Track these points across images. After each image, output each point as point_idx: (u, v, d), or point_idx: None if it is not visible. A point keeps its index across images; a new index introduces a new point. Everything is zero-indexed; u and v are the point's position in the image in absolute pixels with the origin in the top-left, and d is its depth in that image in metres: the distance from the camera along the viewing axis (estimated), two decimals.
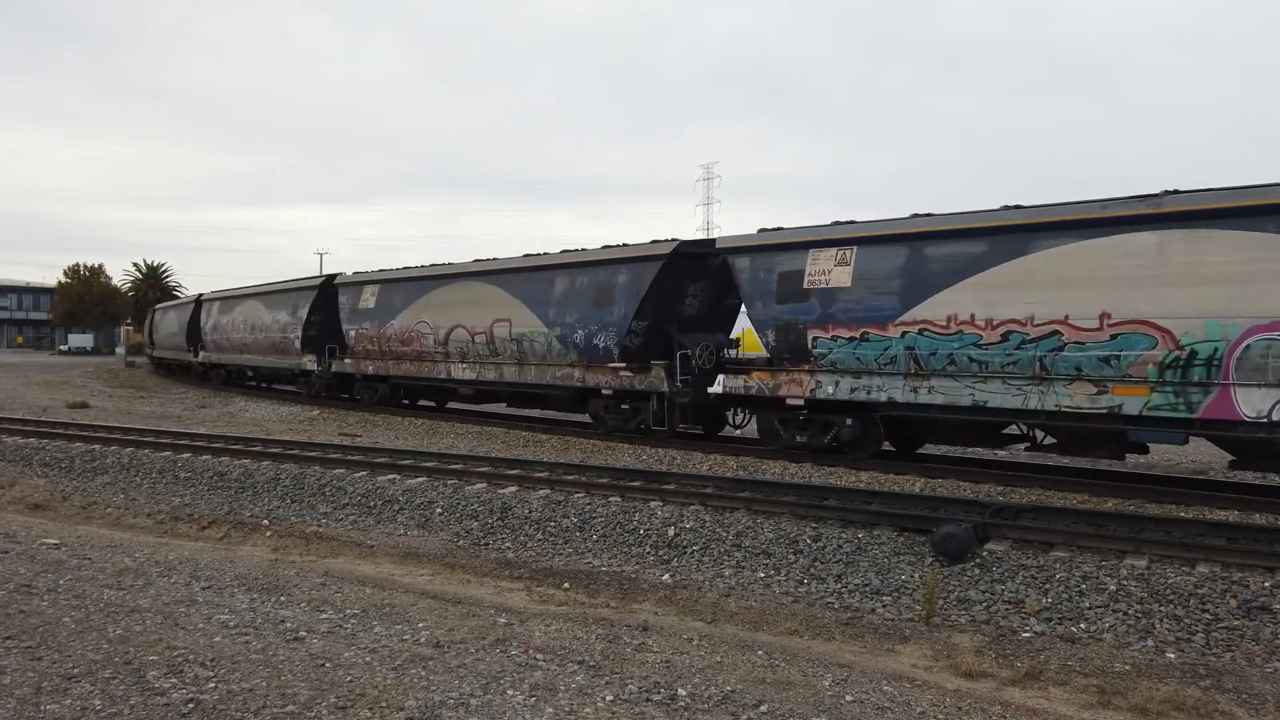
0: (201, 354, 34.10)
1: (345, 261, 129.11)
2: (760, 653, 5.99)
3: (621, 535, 9.40)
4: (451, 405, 22.80)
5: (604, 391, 16.65)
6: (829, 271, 13.18)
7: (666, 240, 16.00)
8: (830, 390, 13.15)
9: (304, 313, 25.48)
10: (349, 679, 5.05)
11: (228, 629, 5.96)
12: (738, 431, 16.34)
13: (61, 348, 72.51)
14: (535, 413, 20.69)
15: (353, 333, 23.25)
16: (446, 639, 5.93)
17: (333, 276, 25.34)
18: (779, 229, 14.33)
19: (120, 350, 53.28)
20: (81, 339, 72.39)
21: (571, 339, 16.94)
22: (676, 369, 15.20)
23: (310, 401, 25.96)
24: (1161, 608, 6.85)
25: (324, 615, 6.44)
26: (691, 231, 75.56)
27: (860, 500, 9.81)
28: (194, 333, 35.06)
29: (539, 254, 18.58)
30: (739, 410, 15.79)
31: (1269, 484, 12.13)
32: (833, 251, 13.20)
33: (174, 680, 4.93)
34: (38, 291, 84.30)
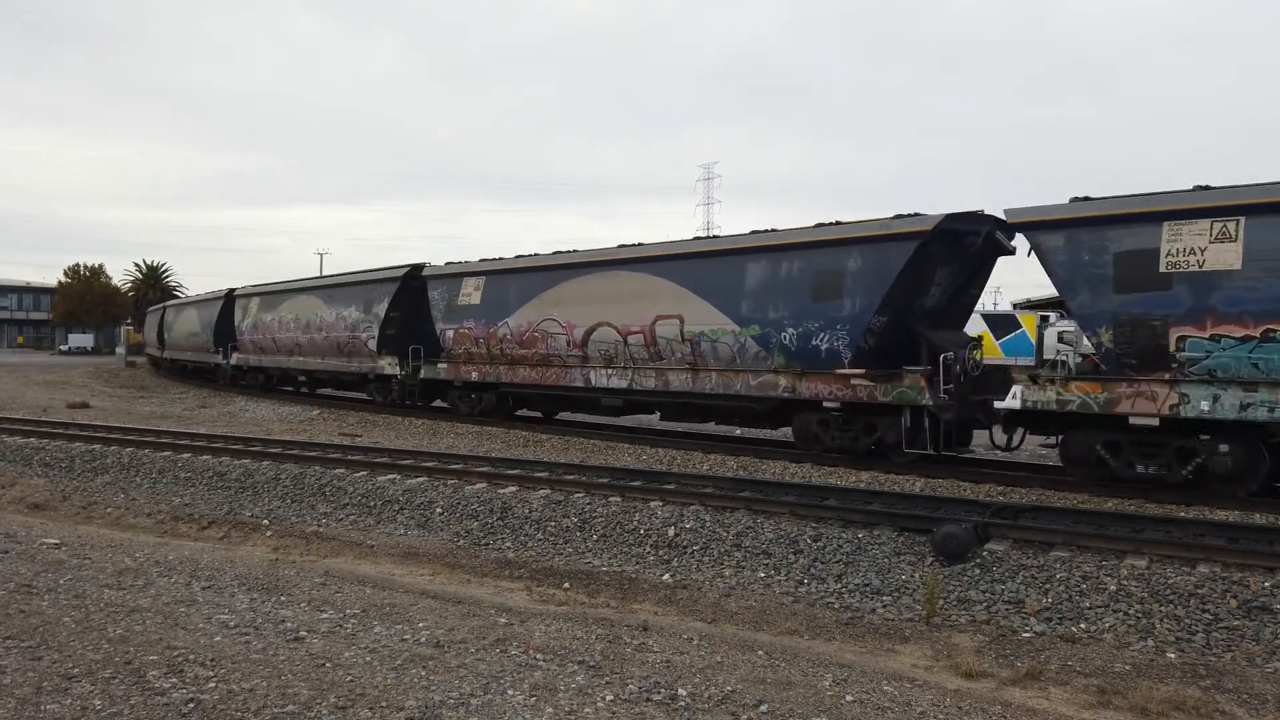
0: (235, 356, 30.32)
1: (345, 261, 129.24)
2: (760, 653, 5.99)
3: (621, 535, 9.40)
4: (562, 417, 19.88)
5: (826, 404, 13.46)
6: (1202, 250, 10.21)
7: (910, 215, 12.89)
8: (1204, 406, 10.12)
9: (382, 309, 22.18)
10: (349, 679, 5.05)
11: (228, 629, 5.96)
12: (999, 453, 13.21)
13: (62, 348, 72.55)
14: (705, 428, 17.63)
15: (450, 333, 20.00)
16: (446, 639, 5.93)
17: (419, 267, 21.95)
18: (1107, 198, 11.19)
19: (120, 350, 53.23)
20: (81, 339, 72.43)
21: (776, 339, 13.89)
22: (940, 377, 12.34)
23: (309, 402, 25.77)
24: (1161, 608, 6.85)
25: (324, 615, 6.44)
26: (691, 231, 74.98)
27: (860, 500, 9.82)
28: (224, 332, 31.21)
29: (722, 236, 15.57)
30: (1012, 427, 12.29)
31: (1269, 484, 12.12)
32: (1205, 224, 10.22)
33: (174, 680, 4.93)
34: (38, 291, 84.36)
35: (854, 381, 13.07)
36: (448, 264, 21.16)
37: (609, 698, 4.93)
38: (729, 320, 14.53)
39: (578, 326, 17.03)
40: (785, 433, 15.59)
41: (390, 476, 11.95)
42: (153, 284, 74.13)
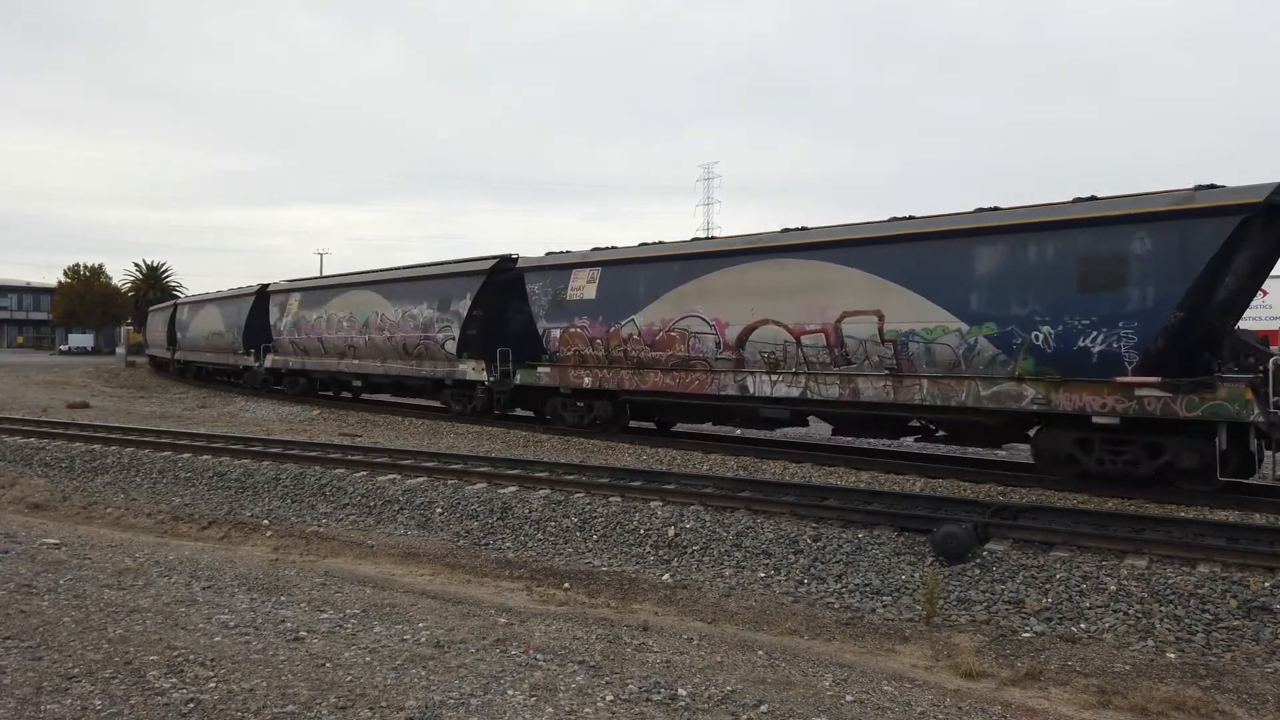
0: (270, 358, 27.64)
1: (346, 261, 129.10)
2: (760, 653, 5.99)
3: (622, 535, 9.40)
4: (682, 429, 17.62)
5: (1096, 419, 10.88)
6: None
7: (1208, 186, 10.46)
8: None
9: (463, 306, 19.60)
10: (349, 679, 5.05)
11: (228, 629, 5.96)
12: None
13: (62, 348, 72.60)
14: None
15: (556, 332, 17.45)
16: (446, 639, 5.93)
17: (508, 258, 19.40)
18: None
19: (120, 350, 53.23)
20: (82, 339, 72.47)
21: (1022, 340, 11.36)
22: (1271, 386, 9.89)
23: (310, 402, 25.64)
24: (1161, 608, 6.85)
25: (324, 615, 6.44)
26: (691, 232, 74.56)
27: (860, 500, 9.81)
28: (255, 332, 28.60)
29: (939, 215, 12.68)
30: None
31: (1269, 484, 12.12)
32: None
33: (174, 680, 4.93)
34: (38, 291, 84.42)
35: (1140, 392, 10.47)
36: (549, 254, 18.58)
37: (609, 698, 4.93)
38: (952, 317, 11.96)
39: (731, 325, 14.49)
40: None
41: (390, 476, 11.96)
42: (153, 284, 74.15)
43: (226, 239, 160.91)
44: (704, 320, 14.94)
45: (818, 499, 9.86)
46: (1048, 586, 7.35)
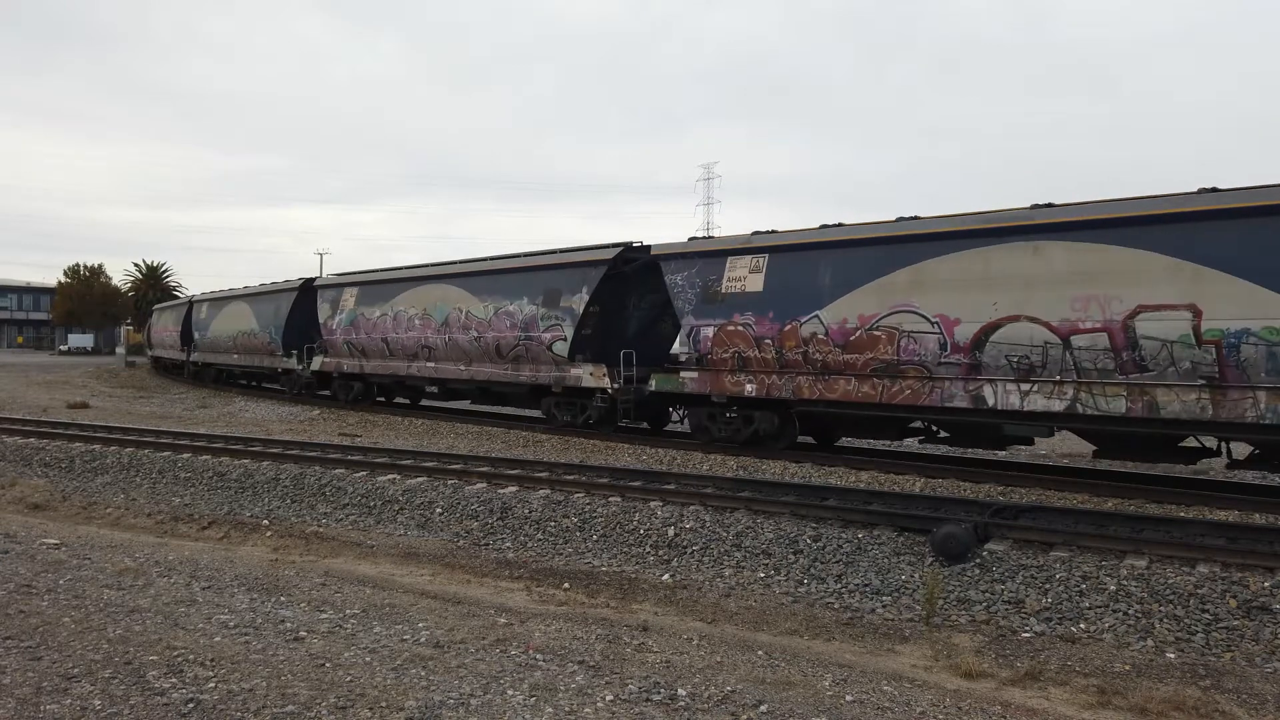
0: (319, 360, 25.16)
1: (346, 261, 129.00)
2: (760, 653, 5.99)
3: (621, 535, 9.40)
4: (849, 443, 15.46)
5: None
6: None
7: None
8: None
9: (578, 302, 17.06)
10: (349, 679, 5.05)
11: (228, 629, 5.96)
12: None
13: (62, 348, 72.64)
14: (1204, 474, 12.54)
15: (708, 330, 14.94)
16: (446, 639, 5.93)
17: (634, 246, 16.99)
18: None
19: (120, 350, 53.24)
20: (82, 339, 72.53)
21: None
22: None
23: (310, 402, 25.50)
24: (1161, 608, 6.85)
25: (324, 615, 6.44)
26: (691, 231, 74.59)
27: (860, 500, 9.82)
28: (298, 332, 26.22)
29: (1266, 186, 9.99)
30: None
31: (1269, 484, 12.13)
32: None
33: (174, 680, 4.93)
34: (38, 291, 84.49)
35: None
36: (692, 239, 16.29)
37: (609, 698, 4.93)
38: None
39: (964, 322, 12.00)
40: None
41: (390, 476, 11.96)
42: (153, 284, 74.13)
43: (226, 239, 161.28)
44: (923, 316, 12.38)
45: (818, 499, 9.86)
46: (1048, 586, 7.35)
